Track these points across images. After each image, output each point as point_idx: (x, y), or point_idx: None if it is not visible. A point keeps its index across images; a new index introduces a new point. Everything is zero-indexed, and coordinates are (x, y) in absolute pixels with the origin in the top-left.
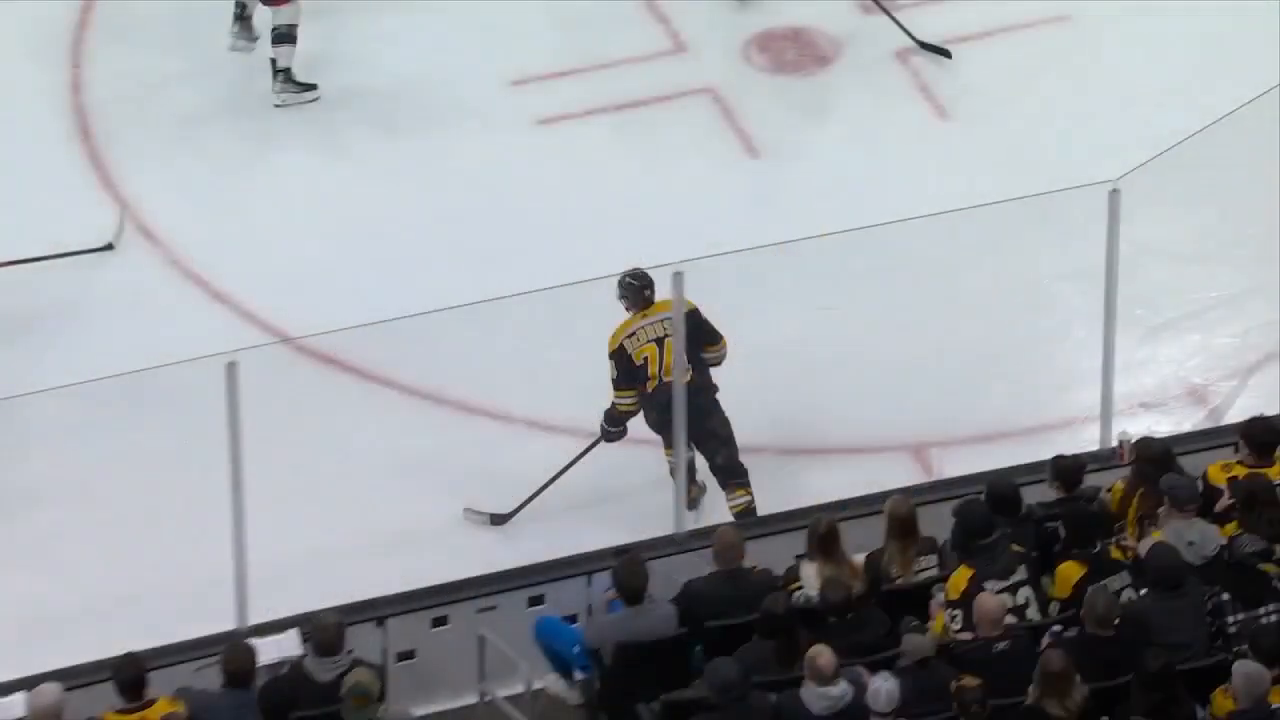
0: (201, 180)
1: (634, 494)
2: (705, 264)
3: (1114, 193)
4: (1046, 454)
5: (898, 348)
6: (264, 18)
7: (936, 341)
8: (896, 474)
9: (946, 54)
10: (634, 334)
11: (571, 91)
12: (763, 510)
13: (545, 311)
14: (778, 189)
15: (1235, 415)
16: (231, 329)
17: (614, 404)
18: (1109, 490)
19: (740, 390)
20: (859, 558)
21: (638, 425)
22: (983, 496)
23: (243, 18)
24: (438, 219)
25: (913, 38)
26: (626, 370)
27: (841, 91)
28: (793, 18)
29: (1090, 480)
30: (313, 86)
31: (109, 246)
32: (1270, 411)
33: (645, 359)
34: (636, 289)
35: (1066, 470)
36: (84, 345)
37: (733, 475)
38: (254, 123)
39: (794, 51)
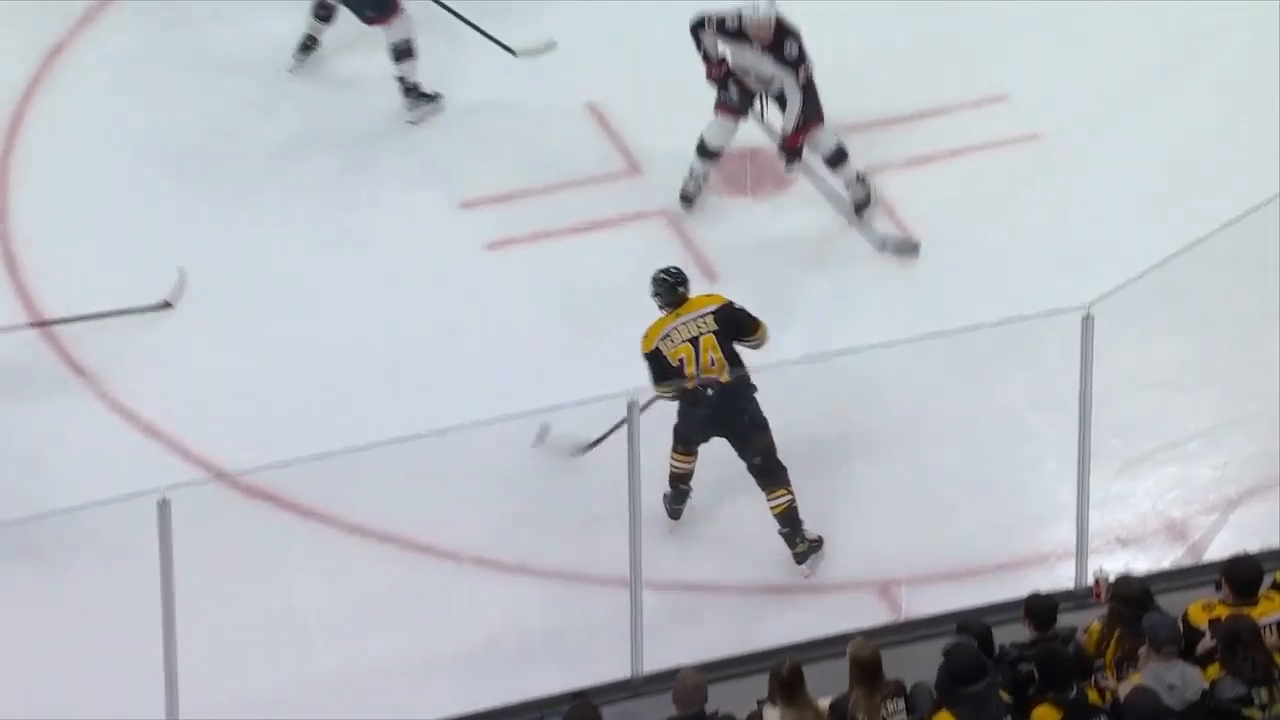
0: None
1: (588, 634)
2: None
3: (1087, 318)
4: (1020, 592)
5: (863, 479)
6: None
7: (904, 472)
8: (862, 613)
9: (913, 250)
10: (668, 335)
11: (522, 213)
12: (722, 652)
13: (493, 443)
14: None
15: (1216, 552)
16: (163, 464)
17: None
18: (1085, 631)
19: (700, 519)
20: (824, 702)
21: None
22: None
23: (306, 48)
24: (382, 344)
25: (876, 240)
26: (663, 371)
27: (804, 213)
28: (750, 138)
29: (1065, 620)
30: (438, 96)
31: (166, 305)
32: (1252, 548)
33: (681, 360)
34: (670, 285)
35: (1040, 609)
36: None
37: (773, 477)
38: None
39: (752, 172)
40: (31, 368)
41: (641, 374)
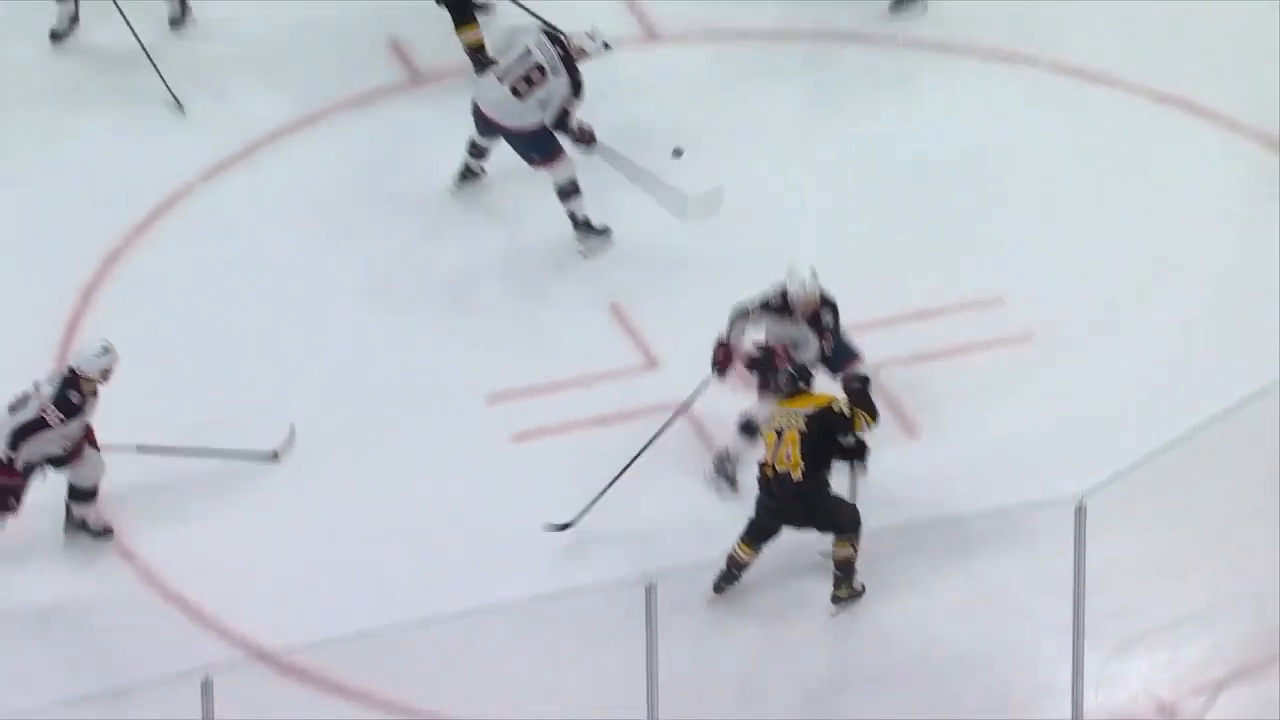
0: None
1: None
2: (682, 577)
3: (1080, 509)
4: None
5: (866, 655)
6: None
7: (901, 654)
8: None
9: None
10: (768, 419)
11: (546, 407)
12: None
13: (521, 626)
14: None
15: None
16: (203, 644)
17: None
18: None
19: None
20: None
21: None
22: None
23: (467, 174)
24: (413, 535)
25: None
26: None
27: None
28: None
29: None
30: (607, 230)
31: (274, 457)
32: None
33: (763, 444)
34: (791, 379)
35: None
36: (55, 658)
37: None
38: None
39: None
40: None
41: (659, 557)
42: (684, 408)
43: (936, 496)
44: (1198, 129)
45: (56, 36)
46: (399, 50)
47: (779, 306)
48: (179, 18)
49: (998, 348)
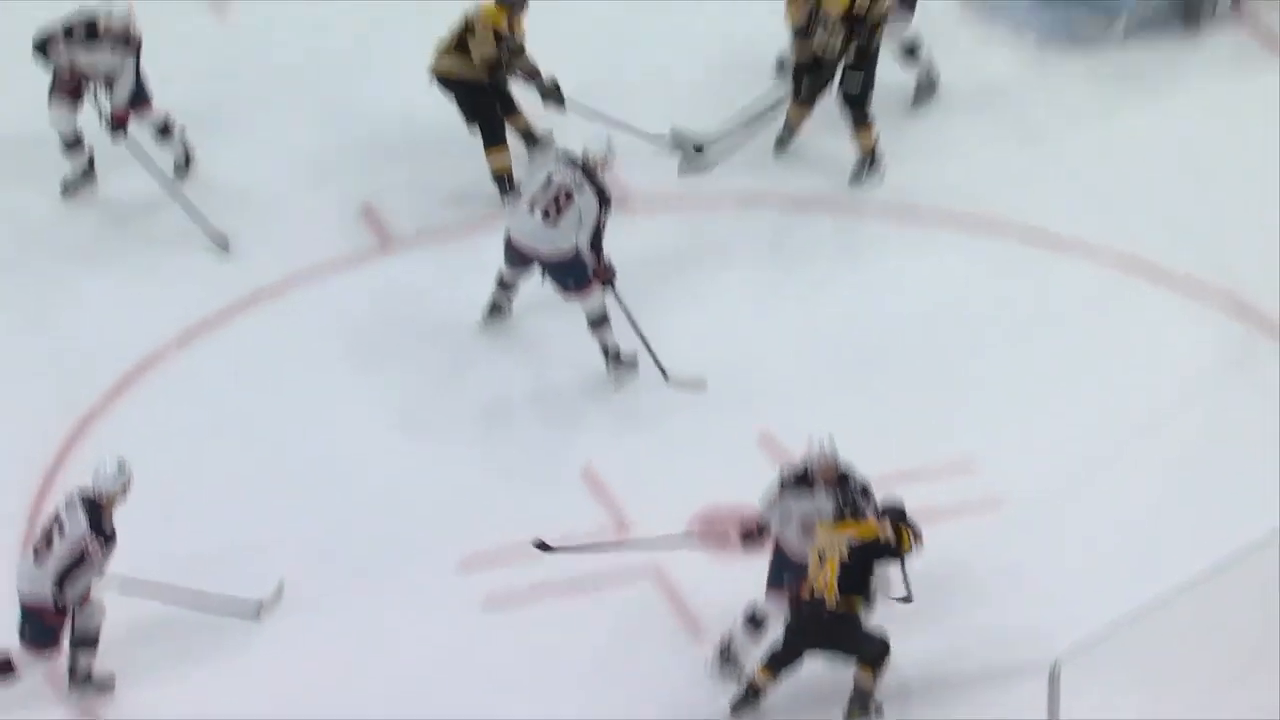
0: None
1: None
2: None
3: (1054, 673)
4: None
5: None
6: None
7: None
8: None
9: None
10: (819, 537)
11: (516, 571)
12: None
13: None
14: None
15: None
16: None
17: None
18: None
19: None
20: None
21: None
22: None
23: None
24: (387, 701)
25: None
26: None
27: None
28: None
29: None
30: (635, 362)
31: (257, 613)
32: None
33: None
34: (850, 498)
35: None
36: None
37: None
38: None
39: (734, 531)
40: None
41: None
42: (638, 546)
43: (909, 659)
44: (1162, 296)
45: (68, 189)
46: (371, 214)
47: (800, 478)
48: (183, 165)
49: (967, 515)
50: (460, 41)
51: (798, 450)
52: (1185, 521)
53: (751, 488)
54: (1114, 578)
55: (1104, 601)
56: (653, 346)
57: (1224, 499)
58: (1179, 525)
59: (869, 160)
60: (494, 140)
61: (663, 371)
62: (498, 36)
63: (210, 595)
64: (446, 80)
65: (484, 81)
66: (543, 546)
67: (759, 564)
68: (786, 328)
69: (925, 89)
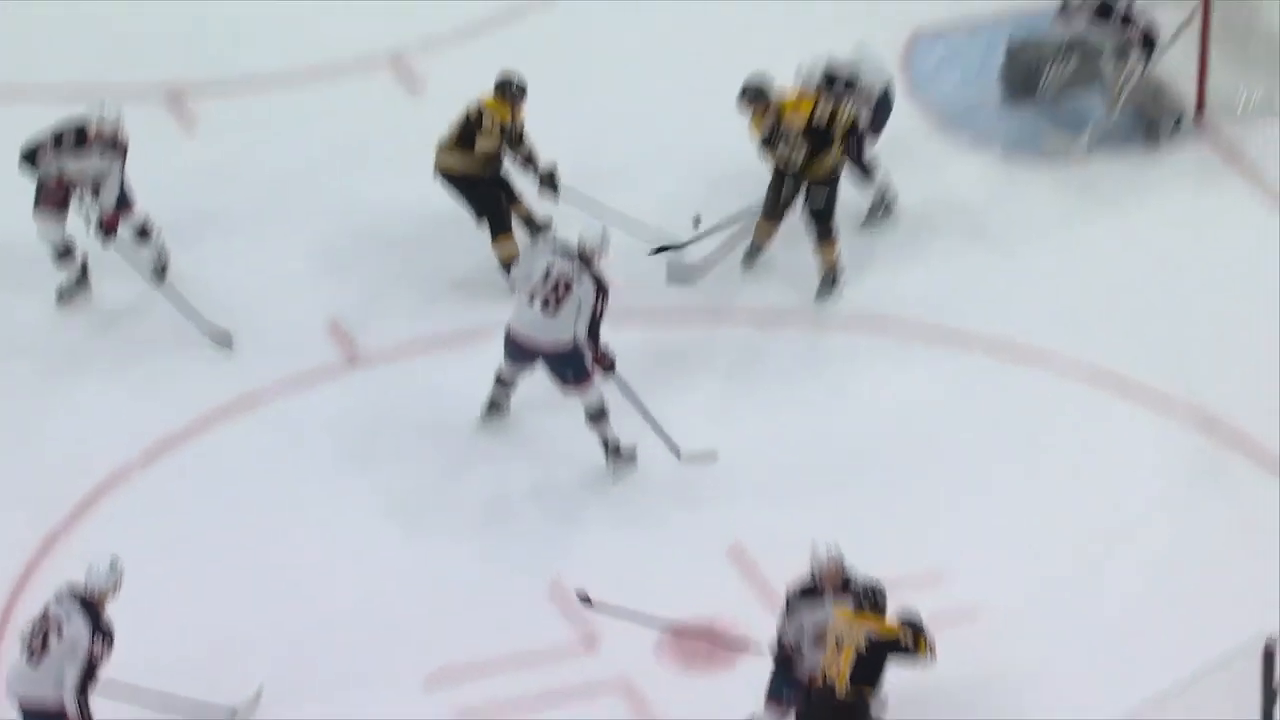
0: None
1: None
2: None
3: None
4: None
5: None
6: None
7: None
8: None
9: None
10: (838, 623)
11: (484, 687)
12: None
13: None
14: None
15: None
16: None
17: None
18: None
19: None
20: None
21: None
22: None
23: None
24: None
25: None
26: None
27: (750, 682)
28: (705, 608)
29: None
30: (633, 458)
31: (233, 714)
32: None
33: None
34: (870, 596)
35: None
36: None
37: None
38: None
39: (705, 646)
40: None
41: None
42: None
43: None
44: (1129, 408)
45: (64, 296)
46: (338, 330)
47: (808, 590)
48: (160, 270)
49: (945, 626)
50: (462, 137)
51: (769, 561)
52: (1159, 632)
53: (719, 600)
54: (1092, 688)
55: (1082, 712)
56: (660, 426)
57: (1197, 609)
58: (1153, 636)
59: (831, 276)
60: (501, 229)
61: (673, 449)
62: (502, 129)
63: (186, 700)
64: (450, 176)
65: (485, 175)
66: (585, 600)
67: (728, 680)
68: (751, 441)
69: (878, 209)
